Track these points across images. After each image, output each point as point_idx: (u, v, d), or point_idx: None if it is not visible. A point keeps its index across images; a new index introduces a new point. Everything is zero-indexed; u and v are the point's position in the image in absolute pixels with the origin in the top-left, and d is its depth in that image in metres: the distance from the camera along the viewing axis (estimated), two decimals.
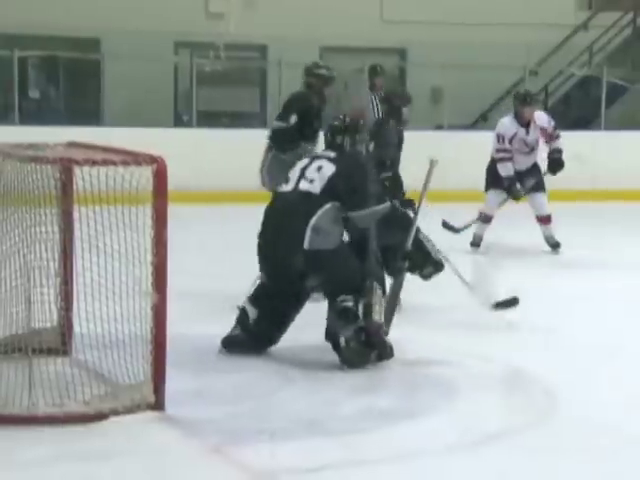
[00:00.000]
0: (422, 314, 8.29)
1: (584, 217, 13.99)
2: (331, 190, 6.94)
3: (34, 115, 15.80)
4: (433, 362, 7.11)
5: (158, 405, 5.77)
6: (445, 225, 11.59)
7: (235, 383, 6.51)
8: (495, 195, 11.75)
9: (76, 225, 6.51)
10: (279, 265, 7.04)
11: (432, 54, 16.73)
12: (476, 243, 11.92)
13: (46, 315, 6.47)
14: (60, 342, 6.58)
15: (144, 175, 5.81)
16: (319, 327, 6.95)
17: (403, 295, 7.50)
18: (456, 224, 11.67)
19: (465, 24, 17.20)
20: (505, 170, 11.55)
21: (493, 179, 11.75)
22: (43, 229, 6.30)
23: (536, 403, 6.47)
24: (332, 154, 7.17)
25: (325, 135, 7.45)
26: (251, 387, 6.42)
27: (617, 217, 14.30)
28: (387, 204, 7.15)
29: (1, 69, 16.54)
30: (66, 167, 6.26)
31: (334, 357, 6.81)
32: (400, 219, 7.41)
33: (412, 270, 7.50)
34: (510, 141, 11.51)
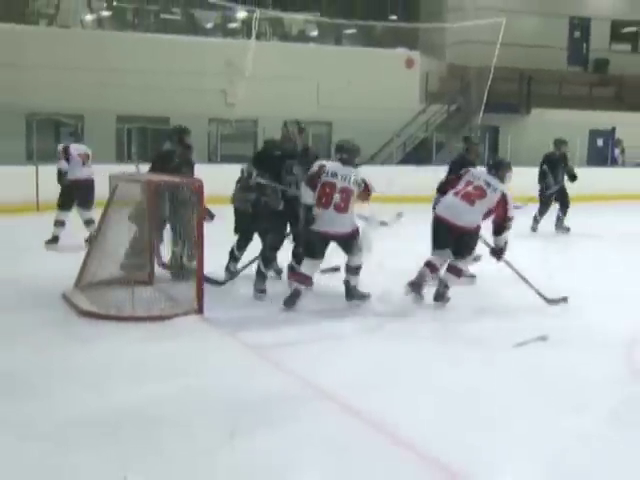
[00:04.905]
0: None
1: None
2: None
3: (135, 158, 15.62)
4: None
5: (200, 311, 5.83)
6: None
7: (244, 300, 6.48)
8: None
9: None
10: None
11: (346, 124, 16.73)
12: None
13: None
14: (148, 278, 6.57)
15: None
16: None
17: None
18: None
19: (363, 107, 17.15)
20: None
21: None
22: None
23: None
24: None
25: None
26: (251, 302, 6.40)
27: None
28: None
29: (118, 136, 16.51)
30: (149, 185, 6.25)
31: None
32: None
33: None
34: None
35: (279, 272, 7.04)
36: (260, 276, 6.49)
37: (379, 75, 18.19)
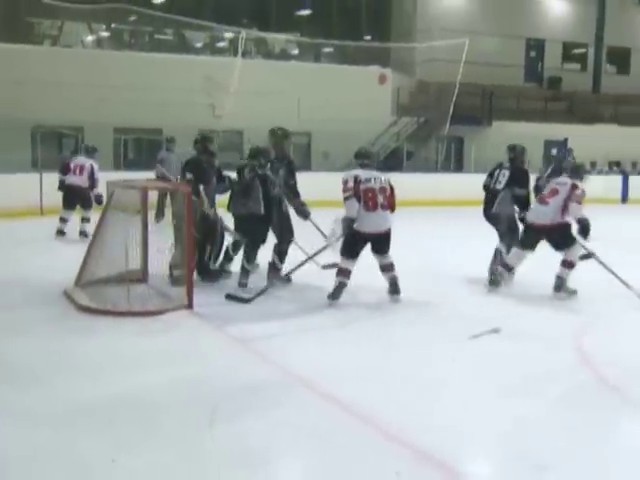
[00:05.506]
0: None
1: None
2: None
3: (131, 166, 15.45)
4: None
5: (190, 306, 5.76)
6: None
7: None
8: None
9: (149, 219, 6.48)
10: None
11: (323, 135, 16.78)
12: None
13: (135, 262, 6.30)
14: (142, 276, 6.50)
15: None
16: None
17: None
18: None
19: (339, 119, 17.07)
20: None
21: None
22: (132, 220, 6.23)
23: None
24: None
25: None
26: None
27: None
28: None
29: (115, 145, 16.41)
30: (144, 191, 6.17)
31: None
32: None
33: None
34: None
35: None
36: (244, 271, 6.53)
37: (354, 90, 18.14)
